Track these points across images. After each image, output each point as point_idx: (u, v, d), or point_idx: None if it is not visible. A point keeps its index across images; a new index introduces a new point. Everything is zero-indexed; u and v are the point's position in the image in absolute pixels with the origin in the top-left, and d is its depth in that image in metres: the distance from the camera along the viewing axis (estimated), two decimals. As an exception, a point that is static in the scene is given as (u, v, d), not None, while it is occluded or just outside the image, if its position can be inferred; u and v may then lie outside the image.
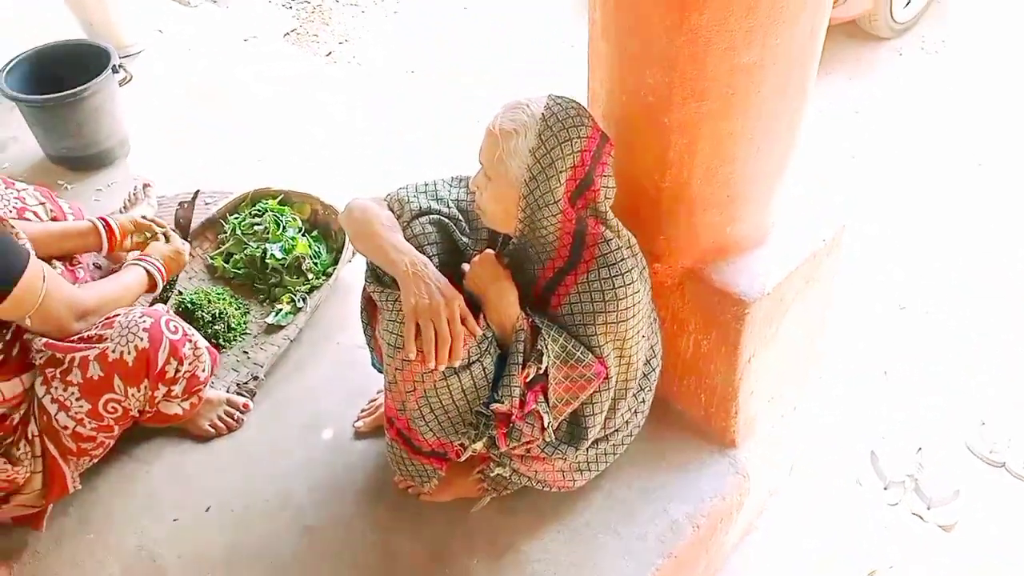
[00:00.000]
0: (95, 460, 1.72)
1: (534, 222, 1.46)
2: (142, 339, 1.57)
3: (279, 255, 2.16)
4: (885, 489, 2.33)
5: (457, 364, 1.43)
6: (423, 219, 1.57)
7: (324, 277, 2.18)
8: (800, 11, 1.40)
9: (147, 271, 1.83)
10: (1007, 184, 3.57)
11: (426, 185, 1.65)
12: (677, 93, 1.46)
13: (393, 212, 1.58)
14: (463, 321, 1.43)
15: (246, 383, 1.96)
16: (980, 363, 2.82)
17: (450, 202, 1.63)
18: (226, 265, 2.20)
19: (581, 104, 1.46)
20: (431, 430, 1.54)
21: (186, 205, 2.05)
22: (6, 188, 1.86)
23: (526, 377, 1.48)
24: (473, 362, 1.46)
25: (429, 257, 1.53)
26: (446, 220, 1.60)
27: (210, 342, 1.98)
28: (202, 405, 1.84)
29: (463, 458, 1.61)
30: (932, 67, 4.19)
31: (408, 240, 1.53)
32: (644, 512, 1.74)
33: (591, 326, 1.49)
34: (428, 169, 2.87)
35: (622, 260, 1.48)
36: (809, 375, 2.03)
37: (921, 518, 2.22)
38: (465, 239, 1.61)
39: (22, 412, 1.59)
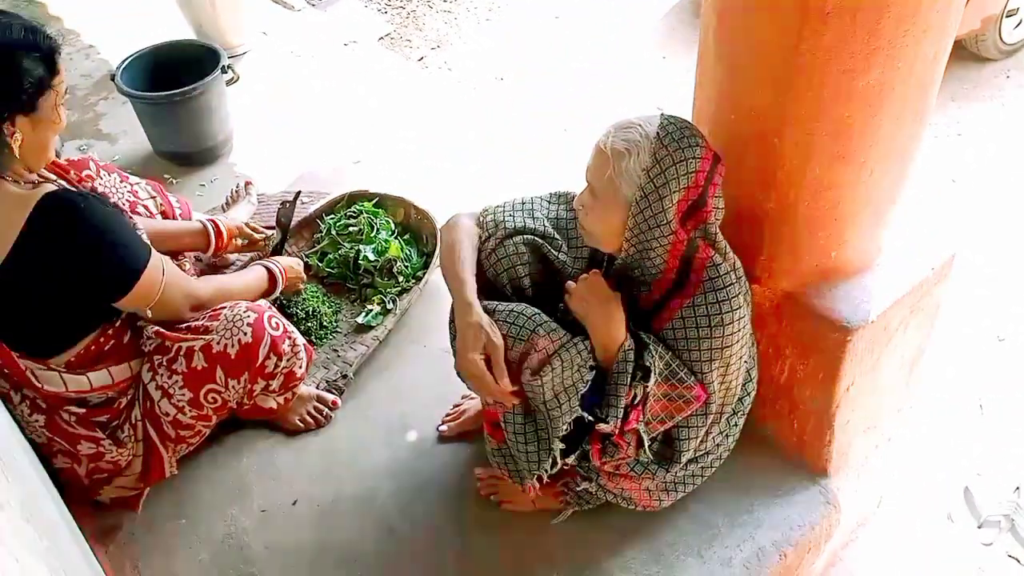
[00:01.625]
0: (191, 447, 1.78)
1: (642, 243, 1.44)
2: (246, 333, 1.62)
3: (372, 256, 2.20)
4: (979, 528, 2.23)
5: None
6: (517, 239, 1.56)
7: (414, 280, 2.21)
8: (923, 35, 1.36)
9: (270, 273, 1.89)
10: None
11: (523, 203, 1.65)
12: (790, 114, 1.43)
13: (487, 231, 1.59)
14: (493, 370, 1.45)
15: (335, 381, 2.01)
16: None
17: (546, 221, 1.62)
18: (320, 264, 2.25)
19: (693, 124, 1.44)
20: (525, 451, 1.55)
21: (287, 205, 2.11)
22: (121, 182, 1.95)
23: (632, 397, 1.47)
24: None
25: (521, 277, 1.54)
26: (540, 240, 1.59)
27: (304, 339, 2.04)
28: (295, 401, 1.88)
29: (555, 470, 1.60)
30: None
31: (500, 260, 1.55)
32: (730, 537, 1.70)
33: (696, 351, 1.47)
34: (517, 177, 2.90)
35: (730, 285, 1.46)
36: (905, 406, 1.96)
37: (1018, 561, 2.11)
38: (563, 257, 1.60)
39: (128, 396, 1.66)
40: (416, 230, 2.33)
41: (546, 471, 1.55)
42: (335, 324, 2.15)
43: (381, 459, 1.88)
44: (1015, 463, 2.40)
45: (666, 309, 1.49)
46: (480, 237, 1.59)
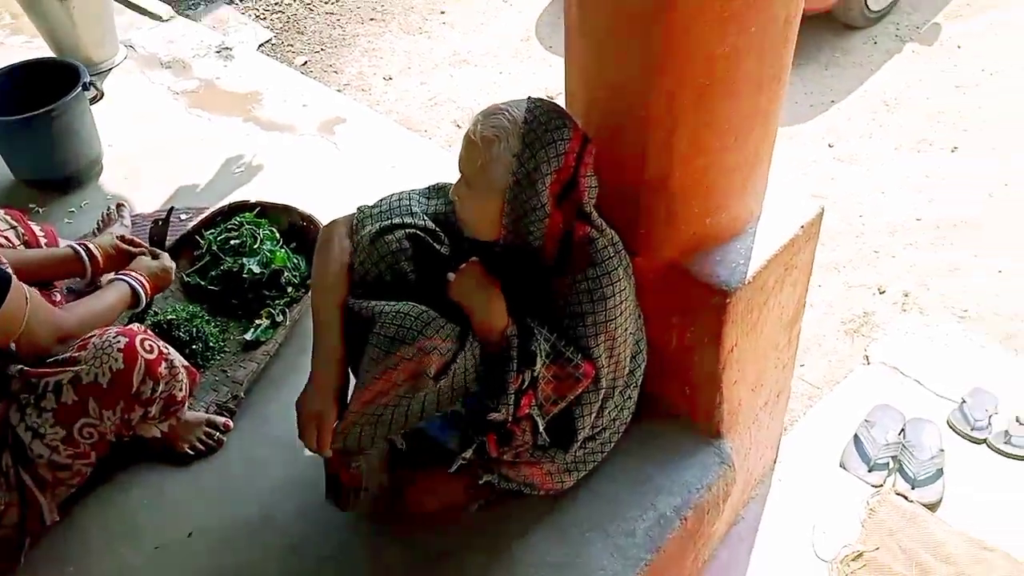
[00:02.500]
0: (73, 490, 1.69)
1: (519, 227, 1.45)
2: (116, 360, 1.55)
3: (257, 269, 2.14)
4: (869, 471, 2.34)
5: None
6: (398, 232, 1.56)
7: (304, 289, 2.17)
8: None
9: (131, 286, 1.81)
10: (982, 167, 3.60)
11: (399, 199, 1.64)
12: (655, 87, 1.46)
13: (365, 227, 1.57)
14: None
15: (226, 402, 1.94)
16: (960, 344, 2.84)
17: (424, 214, 1.62)
18: (202, 282, 2.18)
19: (560, 106, 1.46)
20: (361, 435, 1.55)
21: (160, 223, 2.04)
22: (-27, 214, 1.84)
23: (520, 383, 1.48)
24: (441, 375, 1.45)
25: (407, 272, 1.53)
26: (421, 233, 1.59)
27: (188, 362, 1.97)
28: (181, 427, 1.82)
29: (454, 467, 1.60)
30: (907, 54, 4.22)
31: (383, 256, 1.53)
32: (632, 507, 1.73)
33: (581, 327, 1.49)
34: (410, 175, 2.88)
35: (608, 259, 1.49)
36: (788, 362, 2.04)
37: (906, 498, 2.23)
38: (444, 249, 1.60)
39: (-3, 442, 1.57)
40: (302, 238, 2.28)
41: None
42: (222, 344, 2.08)
43: (280, 477, 1.83)
44: (899, 408, 2.53)
45: (549, 289, 1.50)
46: (354, 241, 1.57)
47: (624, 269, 1.52)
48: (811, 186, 3.61)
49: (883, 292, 3.18)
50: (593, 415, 1.58)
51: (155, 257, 1.93)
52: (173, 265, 1.95)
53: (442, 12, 4.62)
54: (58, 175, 2.56)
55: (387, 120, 3.10)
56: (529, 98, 1.46)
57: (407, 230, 1.56)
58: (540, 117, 1.41)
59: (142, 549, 1.72)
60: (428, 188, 1.67)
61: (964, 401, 2.57)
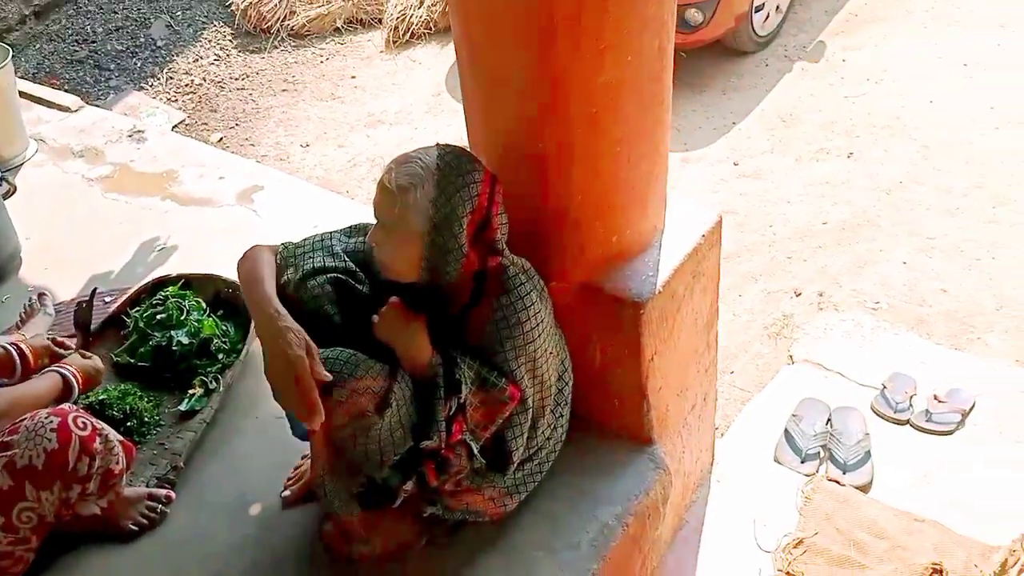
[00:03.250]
0: (15, 577, 1.68)
1: (437, 268, 1.53)
2: (50, 440, 1.56)
3: (186, 340, 2.16)
4: (802, 462, 2.45)
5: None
6: (320, 278, 1.61)
7: (235, 355, 2.20)
8: (644, 29, 1.53)
9: (63, 376, 1.82)
10: (876, 168, 3.84)
11: (321, 240, 1.69)
12: (545, 121, 1.57)
13: (287, 270, 1.62)
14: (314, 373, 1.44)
15: (165, 474, 1.95)
16: (875, 334, 3.00)
17: (346, 256, 1.67)
18: (132, 360, 2.19)
19: (467, 149, 1.55)
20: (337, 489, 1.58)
21: (84, 305, 2.06)
22: None
23: (448, 410, 1.54)
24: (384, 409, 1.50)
25: (331, 315, 1.58)
26: (343, 276, 1.65)
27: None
28: (121, 504, 1.81)
29: (397, 503, 1.65)
30: (797, 71, 4.49)
31: (305, 301, 1.57)
32: (574, 522, 1.79)
33: (501, 353, 1.57)
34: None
35: (520, 285, 1.57)
36: (710, 365, 2.14)
37: (839, 483, 2.34)
38: (366, 290, 1.66)
39: (-68, 537, 1.56)
40: (230, 305, 2.32)
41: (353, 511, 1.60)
42: (158, 418, 2.09)
43: (226, 541, 1.84)
44: (824, 399, 2.66)
45: (469, 320, 1.58)
46: (279, 275, 1.61)
47: (538, 293, 1.61)
48: (721, 203, 3.80)
49: (799, 295, 3.35)
50: (525, 436, 1.65)
51: (87, 357, 1.95)
52: (103, 368, 1.97)
53: (352, 77, 4.75)
54: (-25, 272, 2.55)
55: (305, 183, 3.17)
56: (438, 144, 1.55)
57: (329, 274, 1.62)
58: (451, 162, 1.50)
59: (91, 631, 1.70)
60: (348, 228, 1.73)
61: (884, 387, 2.72)
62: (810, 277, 3.40)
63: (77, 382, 1.83)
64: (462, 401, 1.53)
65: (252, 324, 2.20)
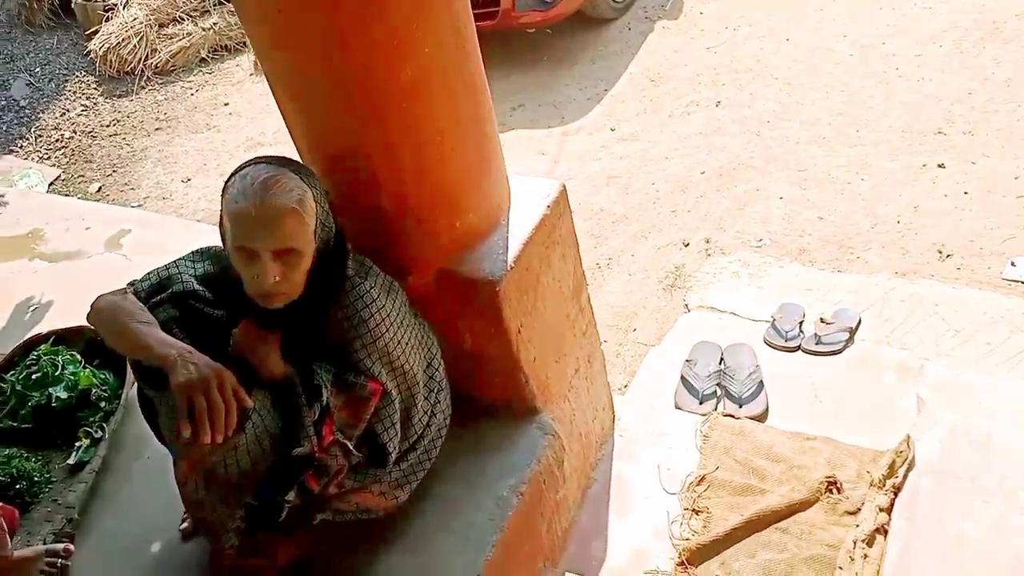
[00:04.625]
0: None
1: (319, 278, 1.54)
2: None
3: (64, 395, 2.14)
4: (700, 404, 2.54)
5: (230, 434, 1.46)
6: (166, 305, 1.61)
7: (116, 401, 2.17)
8: (435, 18, 1.54)
9: None
10: (744, 113, 3.98)
11: (167, 268, 1.68)
12: (360, 123, 1.59)
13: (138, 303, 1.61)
14: (234, 393, 1.46)
15: (62, 529, 1.93)
16: (762, 271, 3.12)
17: (194, 280, 1.67)
18: (14, 424, 2.15)
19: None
20: (214, 510, 1.58)
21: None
22: None
23: (313, 415, 1.56)
24: (244, 423, 1.51)
25: (182, 340, 1.58)
26: (192, 300, 1.65)
27: (17, 503, 1.94)
28: (15, 566, 1.79)
29: (283, 515, 1.66)
30: (659, 31, 4.61)
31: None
32: (470, 500, 1.83)
33: (353, 352, 1.59)
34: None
35: (359, 285, 1.59)
36: (589, 328, 2.20)
37: (734, 417, 2.43)
38: (219, 312, 1.66)
39: None
40: (106, 353, 2.29)
41: (239, 526, 1.60)
42: (48, 475, 2.06)
43: (132, 582, 1.84)
44: (716, 339, 2.75)
45: (317, 325, 1.60)
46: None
47: (380, 288, 1.63)
48: (604, 170, 3.89)
49: (687, 245, 3.46)
50: (397, 427, 1.67)
51: None
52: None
53: (226, 104, 4.70)
54: None
55: (174, 219, 3.15)
56: (262, 158, 1.55)
57: (177, 299, 1.61)
58: (304, 171, 1.52)
59: None
60: (192, 253, 1.72)
61: (774, 319, 2.83)
62: (695, 226, 3.51)
63: None
64: (324, 404, 1.55)
65: (128, 368, 2.18)
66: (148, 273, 1.69)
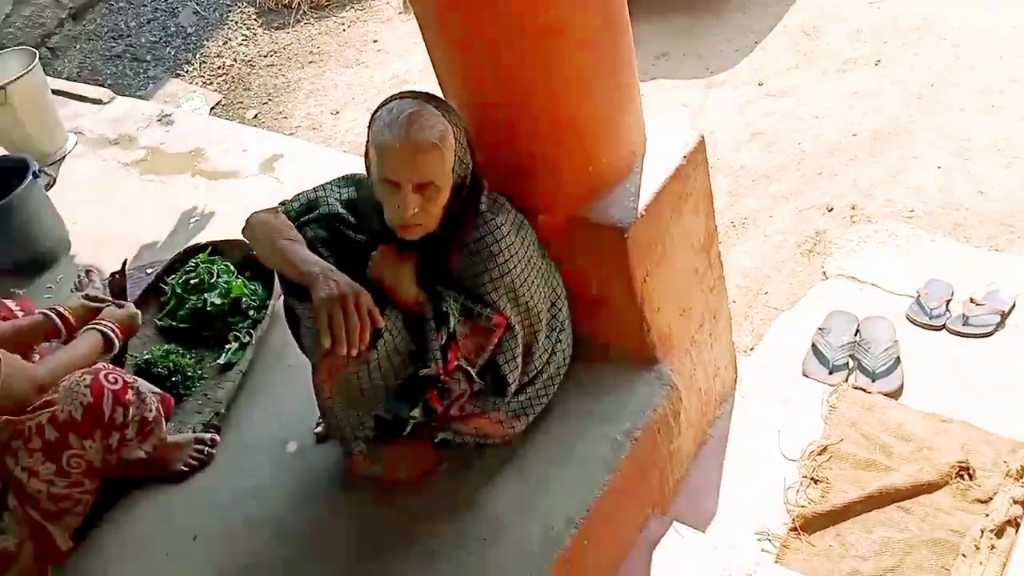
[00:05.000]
0: (80, 517, 1.86)
1: (455, 213, 1.61)
2: (85, 395, 1.72)
3: (218, 301, 2.32)
4: (830, 374, 2.46)
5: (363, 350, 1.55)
6: (314, 225, 1.72)
7: (263, 311, 2.34)
8: None
9: (102, 333, 1.98)
10: (906, 73, 3.71)
11: (316, 191, 1.79)
12: (500, 59, 1.61)
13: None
14: (369, 312, 1.55)
15: (210, 420, 2.12)
16: (910, 243, 2.95)
17: (339, 204, 1.77)
18: (172, 322, 2.36)
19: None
20: (346, 417, 1.68)
21: (117, 275, 2.22)
22: (-50, 299, 2.03)
23: (441, 339, 1.63)
24: (375, 340, 1.59)
25: (325, 259, 1.68)
26: (337, 223, 1.74)
27: (173, 393, 2.14)
28: (170, 449, 1.98)
29: (407, 430, 1.76)
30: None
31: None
32: (585, 439, 1.87)
33: (480, 285, 1.64)
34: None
35: (491, 220, 1.64)
36: (717, 284, 2.16)
37: (864, 390, 2.34)
38: (360, 236, 1.76)
39: (-1, 487, 1.75)
40: (257, 265, 2.45)
41: (368, 435, 1.71)
42: (200, 372, 2.26)
43: (267, 476, 1.99)
44: (851, 313, 2.64)
45: (448, 256, 1.66)
46: None
47: (511, 225, 1.66)
48: (748, 125, 3.75)
49: (831, 210, 3.30)
50: (518, 360, 1.72)
51: (120, 307, 2.11)
52: (138, 312, 2.13)
53: (375, 41, 4.83)
54: (28, 258, 2.76)
55: (323, 148, 3.28)
56: (408, 93, 1.60)
57: (323, 220, 1.71)
58: (445, 107, 1.56)
59: (154, 557, 1.89)
60: (339, 179, 1.82)
61: (919, 294, 2.68)
62: (842, 192, 3.34)
63: (115, 334, 1.99)
64: (451, 331, 1.61)
65: (276, 281, 2.34)
66: (298, 194, 1.79)
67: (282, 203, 1.78)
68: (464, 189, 1.62)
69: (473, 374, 1.68)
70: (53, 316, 2.05)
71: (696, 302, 2.09)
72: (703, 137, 1.94)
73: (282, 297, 2.11)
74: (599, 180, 1.82)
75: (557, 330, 1.84)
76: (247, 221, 1.74)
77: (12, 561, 1.77)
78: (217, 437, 2.08)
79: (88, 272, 2.54)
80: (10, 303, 2.16)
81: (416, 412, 1.70)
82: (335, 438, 1.75)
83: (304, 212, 1.75)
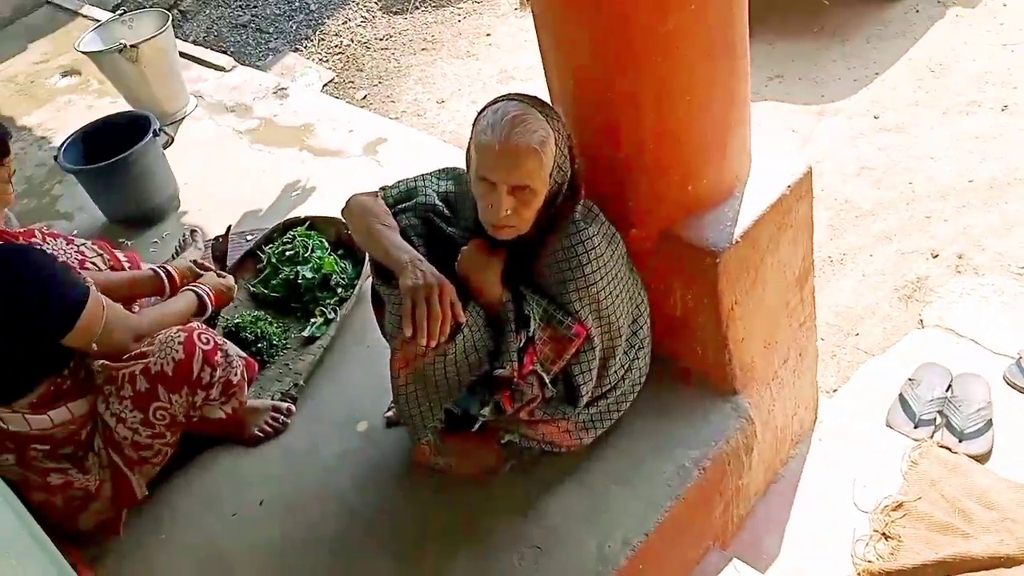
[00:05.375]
0: (158, 467, 1.95)
1: (548, 218, 1.61)
2: (178, 351, 1.80)
3: (309, 275, 2.39)
4: (915, 428, 2.35)
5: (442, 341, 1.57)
6: (409, 213, 1.75)
7: (351, 290, 2.39)
8: None
9: (198, 295, 2.08)
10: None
11: (415, 180, 1.82)
12: (614, 71, 1.60)
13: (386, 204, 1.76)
14: (452, 305, 1.57)
15: (288, 391, 2.18)
16: (1017, 301, 2.80)
17: (436, 196, 1.79)
18: (265, 290, 2.44)
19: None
20: (418, 406, 1.71)
21: (220, 240, 2.31)
22: (68, 244, 2.15)
23: (519, 341, 1.63)
24: (455, 334, 1.61)
25: (416, 247, 1.71)
26: (431, 214, 1.77)
27: (257, 359, 2.21)
28: (248, 413, 2.06)
29: (476, 427, 1.77)
30: (950, 18, 4.16)
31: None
32: (652, 461, 1.85)
33: (564, 293, 1.64)
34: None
35: (584, 229, 1.62)
36: (808, 320, 2.10)
37: (949, 449, 2.23)
38: (452, 229, 1.78)
39: (88, 428, 1.84)
40: (349, 245, 2.52)
41: (436, 426, 1.73)
42: (284, 342, 2.33)
43: (335, 452, 2.04)
44: (945, 367, 2.52)
45: (536, 260, 1.66)
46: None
47: (602, 236, 1.65)
48: (858, 158, 3.62)
49: (936, 256, 3.15)
50: (593, 372, 1.71)
51: (221, 276, 2.20)
52: (235, 285, 2.23)
53: (488, 35, 4.86)
54: (140, 212, 2.90)
55: (425, 136, 3.33)
56: (516, 95, 1.60)
57: (419, 210, 1.74)
58: (552, 114, 1.56)
59: (222, 517, 1.96)
60: (439, 171, 1.84)
61: (1020, 356, 2.54)
62: (950, 238, 3.19)
63: (210, 298, 2.09)
64: (531, 335, 1.61)
65: (366, 263, 2.39)
66: (398, 181, 1.82)
67: (382, 188, 1.81)
68: (560, 195, 1.62)
69: (547, 380, 1.68)
70: (163, 275, 2.16)
71: (783, 336, 2.03)
72: (810, 168, 1.88)
73: (370, 279, 2.17)
74: (698, 199, 1.79)
75: (636, 347, 1.82)
76: (347, 202, 1.78)
77: (91, 500, 1.87)
78: (293, 407, 2.15)
79: (193, 232, 2.66)
80: (119, 254, 2.27)
81: (487, 411, 1.71)
82: (405, 425, 1.78)
83: (402, 200, 1.78)
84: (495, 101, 1.58)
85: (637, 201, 1.78)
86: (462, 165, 1.74)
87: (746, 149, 1.83)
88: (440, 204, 1.78)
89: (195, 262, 2.29)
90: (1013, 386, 2.48)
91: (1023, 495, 2.09)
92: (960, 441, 2.29)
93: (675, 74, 1.59)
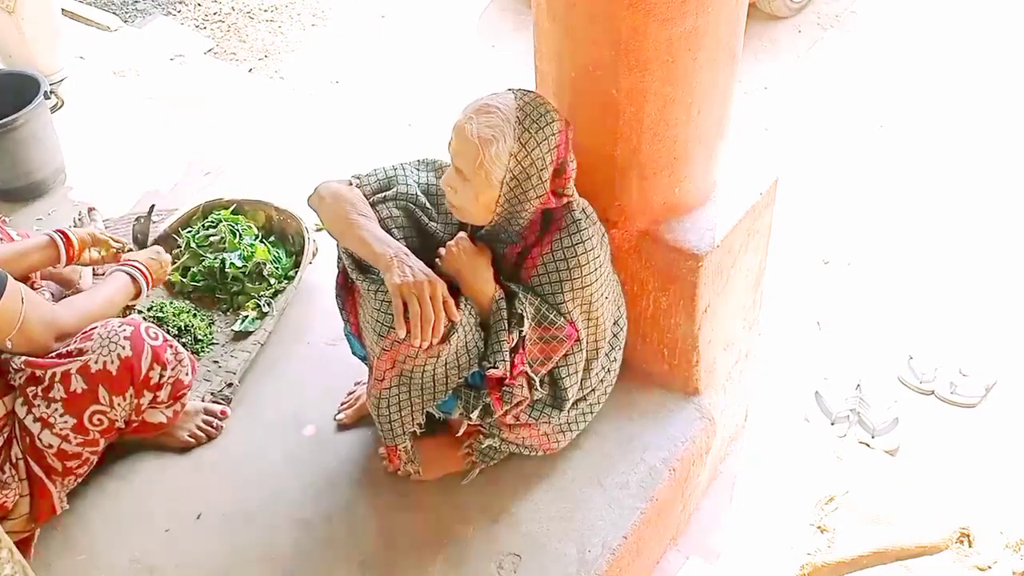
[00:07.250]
0: (80, 479, 1.71)
1: (512, 213, 1.54)
2: (124, 347, 1.58)
3: (239, 263, 2.18)
4: (832, 424, 2.50)
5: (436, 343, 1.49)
6: (390, 203, 1.63)
7: (286, 281, 2.21)
8: None
9: (131, 276, 1.82)
10: (907, 142, 3.84)
11: (394, 169, 1.70)
12: (623, 64, 1.56)
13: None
14: (444, 304, 1.48)
15: (221, 391, 1.98)
16: (902, 305, 3.03)
17: (416, 187, 1.69)
18: (183, 279, 2.20)
19: (543, 96, 1.53)
20: (399, 410, 1.61)
21: (142, 220, 2.06)
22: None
23: (511, 340, 1.56)
24: (450, 335, 1.52)
25: (398, 240, 1.59)
26: (412, 206, 1.66)
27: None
28: (183, 415, 1.84)
29: (461, 430, 1.69)
30: (829, 40, 4.46)
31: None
32: (623, 463, 1.83)
33: (559, 293, 1.59)
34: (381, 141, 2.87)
35: (583, 230, 1.58)
36: (754, 322, 2.17)
37: (868, 446, 2.39)
38: (433, 223, 1.68)
39: (5, 435, 1.58)
40: (280, 231, 2.33)
41: (416, 431, 1.65)
42: (211, 336, 2.12)
43: (280, 458, 1.88)
44: (853, 365, 2.70)
45: (529, 258, 1.60)
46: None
47: (598, 238, 1.62)
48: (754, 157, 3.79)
49: (827, 263, 3.36)
50: (579, 374, 1.67)
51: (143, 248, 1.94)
52: (168, 257, 1.97)
53: (382, 16, 4.68)
54: (21, 183, 2.54)
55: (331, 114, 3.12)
56: (512, 90, 1.53)
57: (400, 200, 1.62)
58: (531, 113, 1.48)
59: (152, 533, 1.75)
60: (418, 161, 1.73)
61: (912, 357, 2.76)
62: (837, 247, 3.41)
63: (146, 278, 1.83)
64: (523, 334, 1.55)
65: (304, 253, 2.22)
66: (374, 169, 1.70)
67: (356, 176, 1.68)
68: (526, 206, 1.55)
69: (536, 381, 1.62)
70: (59, 240, 1.84)
71: (738, 338, 2.08)
72: (778, 178, 1.94)
73: (309, 269, 2.01)
74: (681, 201, 1.80)
75: (616, 349, 1.80)
76: (316, 190, 1.64)
77: (3, 518, 1.61)
78: (228, 410, 1.95)
79: (91, 210, 2.37)
80: (11, 231, 1.97)
81: (475, 413, 1.63)
82: (382, 428, 1.66)
83: (380, 190, 1.66)
84: (508, 90, 1.53)
85: (625, 201, 1.76)
86: (443, 158, 1.66)
87: (724, 156, 1.86)
88: (421, 196, 1.68)
89: (99, 234, 1.99)
90: (907, 385, 2.69)
91: (940, 486, 2.27)
92: (873, 437, 2.46)
93: (683, 75, 1.58)
